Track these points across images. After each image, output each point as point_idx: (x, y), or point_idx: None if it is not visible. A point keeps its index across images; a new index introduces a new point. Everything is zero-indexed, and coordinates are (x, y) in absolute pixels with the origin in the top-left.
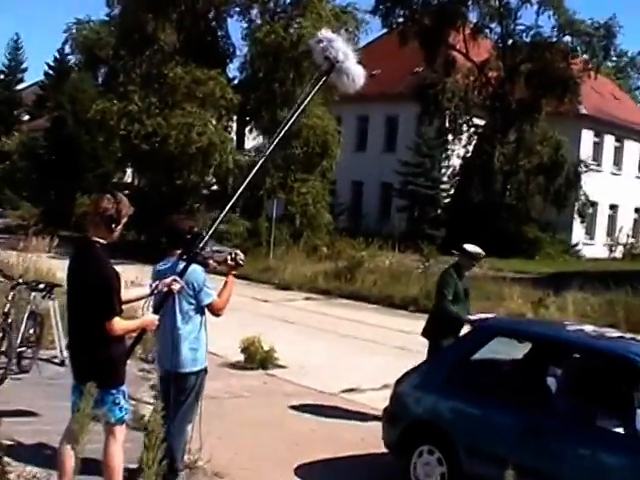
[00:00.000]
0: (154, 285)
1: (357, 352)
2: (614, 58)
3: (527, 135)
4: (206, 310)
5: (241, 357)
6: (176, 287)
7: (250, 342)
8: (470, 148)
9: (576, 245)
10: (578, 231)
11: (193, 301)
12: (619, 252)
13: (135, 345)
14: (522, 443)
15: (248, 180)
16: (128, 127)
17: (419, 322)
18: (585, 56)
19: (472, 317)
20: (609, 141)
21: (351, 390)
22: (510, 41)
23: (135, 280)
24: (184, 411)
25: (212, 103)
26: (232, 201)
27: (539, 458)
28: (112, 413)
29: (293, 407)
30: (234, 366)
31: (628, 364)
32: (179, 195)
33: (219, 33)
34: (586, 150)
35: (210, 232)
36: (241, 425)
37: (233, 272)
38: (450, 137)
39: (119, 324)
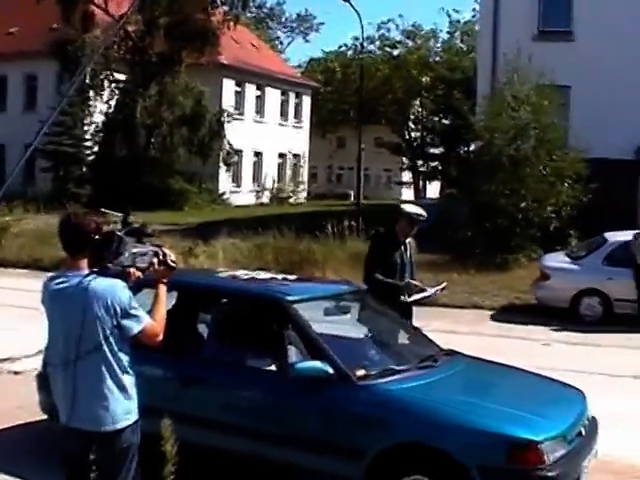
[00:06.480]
0: None
1: (13, 320)
2: (254, 9)
3: (169, 88)
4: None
5: None
6: None
7: None
8: (112, 103)
9: (223, 194)
10: (225, 180)
11: (113, 334)
12: (266, 197)
13: None
14: (179, 393)
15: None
16: None
17: None
18: (225, 7)
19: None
20: (250, 90)
21: (6, 360)
22: None
23: None
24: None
25: None
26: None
27: (198, 406)
28: None
29: None
30: None
31: (275, 303)
32: None
33: None
34: (228, 100)
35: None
36: None
37: (164, 279)
38: (92, 94)
39: None
